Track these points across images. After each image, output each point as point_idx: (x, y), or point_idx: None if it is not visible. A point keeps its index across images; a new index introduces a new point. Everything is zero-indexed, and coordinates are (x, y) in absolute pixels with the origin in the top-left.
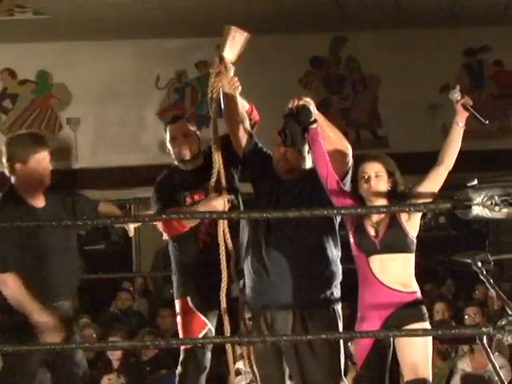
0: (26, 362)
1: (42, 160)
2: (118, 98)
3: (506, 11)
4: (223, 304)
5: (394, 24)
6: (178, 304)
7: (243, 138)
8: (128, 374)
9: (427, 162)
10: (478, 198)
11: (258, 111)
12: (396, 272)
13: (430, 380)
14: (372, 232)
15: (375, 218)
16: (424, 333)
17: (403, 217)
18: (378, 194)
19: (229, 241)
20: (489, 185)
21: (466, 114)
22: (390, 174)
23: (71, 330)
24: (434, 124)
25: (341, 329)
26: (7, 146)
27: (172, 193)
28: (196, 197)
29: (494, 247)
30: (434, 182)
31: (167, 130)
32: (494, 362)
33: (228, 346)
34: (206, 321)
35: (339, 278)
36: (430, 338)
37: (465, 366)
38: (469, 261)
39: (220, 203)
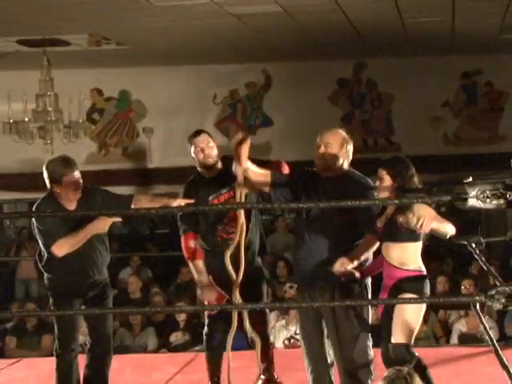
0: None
1: (72, 178)
2: (182, 112)
3: (496, 41)
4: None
5: (404, 52)
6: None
7: (266, 185)
8: (191, 331)
9: (431, 163)
10: (473, 192)
11: (297, 122)
12: (395, 255)
13: (413, 338)
14: (379, 224)
15: (385, 214)
16: (429, 300)
17: (402, 217)
18: (383, 193)
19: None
20: (481, 181)
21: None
22: (394, 177)
23: (108, 297)
24: (437, 132)
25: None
26: (46, 170)
27: (199, 195)
28: (221, 198)
29: (485, 231)
30: None
31: (193, 142)
32: (485, 323)
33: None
34: (224, 293)
35: (368, 259)
36: (419, 307)
37: (461, 327)
38: (465, 243)
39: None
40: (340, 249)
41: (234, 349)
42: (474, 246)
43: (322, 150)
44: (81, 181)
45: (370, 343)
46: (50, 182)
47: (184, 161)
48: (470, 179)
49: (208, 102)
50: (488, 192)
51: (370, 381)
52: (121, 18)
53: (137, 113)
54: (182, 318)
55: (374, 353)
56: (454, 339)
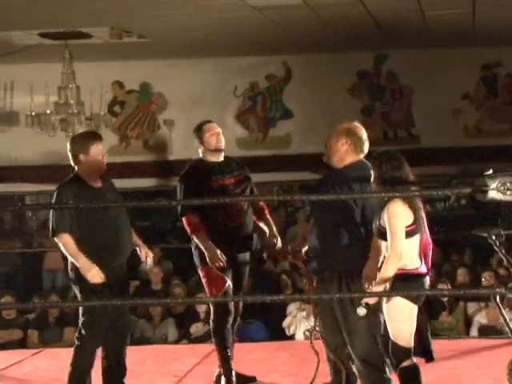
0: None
1: (99, 150)
2: (203, 104)
3: None
4: None
5: (424, 44)
6: (203, 270)
7: None
8: None
9: (451, 155)
10: (493, 184)
11: (317, 114)
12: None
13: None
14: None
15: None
16: (449, 293)
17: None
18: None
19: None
20: (502, 173)
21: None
22: (377, 171)
23: (128, 285)
24: (457, 124)
25: None
26: (72, 142)
27: (202, 178)
28: (226, 181)
29: (505, 224)
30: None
31: (205, 127)
32: (505, 315)
33: None
34: (227, 278)
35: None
36: (408, 311)
37: (481, 318)
38: (485, 235)
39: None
40: (342, 239)
41: (253, 340)
42: (494, 238)
43: (327, 142)
44: (105, 155)
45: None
46: (77, 154)
47: None
48: (491, 171)
49: (228, 95)
50: (508, 184)
51: (387, 368)
52: (142, 10)
53: (158, 105)
54: (202, 309)
55: None
56: (474, 331)
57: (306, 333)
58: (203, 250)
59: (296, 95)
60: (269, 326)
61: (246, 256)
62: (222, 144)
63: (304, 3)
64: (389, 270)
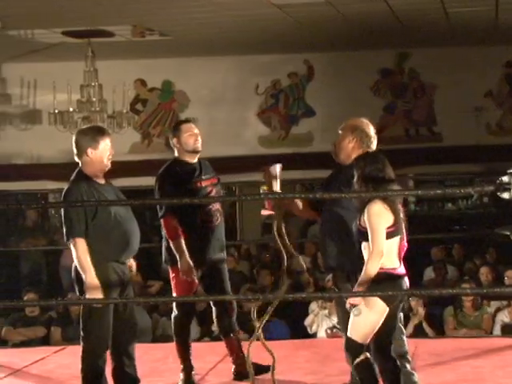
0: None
1: (107, 145)
2: (225, 102)
3: None
4: None
5: (447, 41)
6: (174, 270)
7: None
8: None
9: (473, 153)
10: None
11: (339, 112)
12: (367, 254)
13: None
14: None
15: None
16: (473, 292)
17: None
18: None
19: None
20: None
21: None
22: (357, 172)
23: (130, 284)
24: (479, 122)
25: None
26: (79, 136)
27: (182, 179)
28: (203, 182)
29: None
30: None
31: (182, 127)
32: None
33: None
34: (196, 281)
35: None
36: (378, 313)
37: (504, 317)
38: (508, 233)
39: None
40: (349, 239)
41: (275, 338)
42: None
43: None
44: (112, 151)
45: (402, 333)
46: (84, 149)
47: (226, 150)
48: None
49: (250, 92)
50: None
51: (408, 366)
52: (164, 8)
53: (180, 103)
54: None
55: (416, 342)
56: (497, 330)
57: (328, 331)
58: (178, 258)
59: (318, 93)
60: (290, 324)
61: (222, 254)
62: (199, 145)
63: (326, 1)
64: (371, 269)
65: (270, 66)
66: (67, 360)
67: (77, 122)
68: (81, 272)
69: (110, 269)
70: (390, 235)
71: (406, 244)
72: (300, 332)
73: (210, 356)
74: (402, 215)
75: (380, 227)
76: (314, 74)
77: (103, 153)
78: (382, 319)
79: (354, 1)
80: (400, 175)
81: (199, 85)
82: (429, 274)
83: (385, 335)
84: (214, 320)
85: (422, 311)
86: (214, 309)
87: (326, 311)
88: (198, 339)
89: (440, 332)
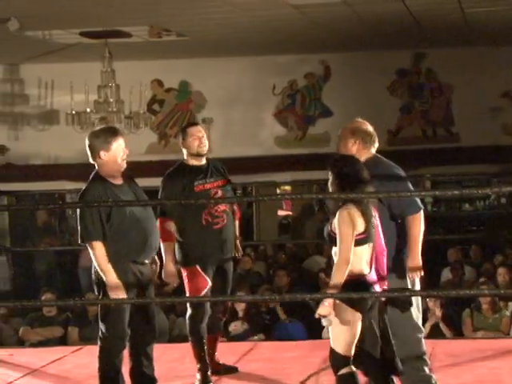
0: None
1: (120, 145)
2: (241, 103)
3: None
4: None
5: (464, 42)
6: (186, 270)
7: None
8: (250, 321)
9: (490, 153)
10: None
11: (356, 112)
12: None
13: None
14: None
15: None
16: (490, 293)
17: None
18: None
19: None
20: None
21: None
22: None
23: (151, 285)
24: (496, 123)
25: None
26: (92, 139)
27: (183, 182)
28: (207, 185)
29: None
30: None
31: (188, 131)
32: None
33: None
34: (209, 280)
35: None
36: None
37: None
38: None
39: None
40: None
41: (292, 338)
42: None
43: (337, 148)
44: (126, 151)
45: (420, 333)
46: (97, 152)
47: (243, 151)
48: None
49: (267, 93)
50: None
51: (426, 368)
52: (181, 9)
53: (196, 104)
54: (241, 307)
55: (433, 343)
56: None
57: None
58: (164, 260)
59: (335, 93)
60: (307, 324)
61: (228, 255)
62: (205, 148)
63: (343, 1)
64: (338, 277)
65: (286, 66)
66: (84, 360)
67: (94, 123)
68: (101, 274)
69: (127, 269)
70: (359, 242)
71: (384, 248)
72: (317, 333)
73: (227, 356)
74: (375, 220)
75: (348, 236)
76: (330, 75)
77: (116, 154)
78: (358, 327)
79: (371, 1)
80: (417, 176)
81: (216, 85)
82: (446, 274)
83: (365, 344)
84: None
85: (438, 312)
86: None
87: None
88: None
89: (458, 333)
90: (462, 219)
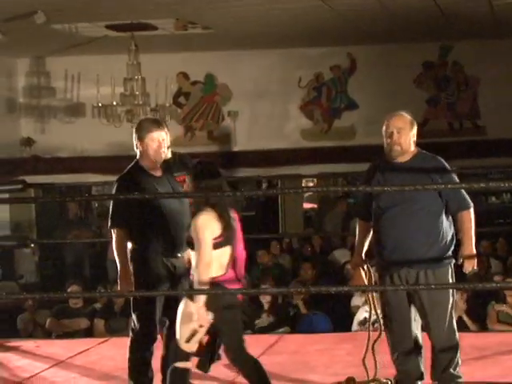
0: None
1: (154, 138)
2: (267, 95)
3: None
4: None
5: (491, 34)
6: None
7: None
8: (275, 314)
9: None
10: None
11: (381, 105)
12: (195, 263)
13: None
14: None
15: None
16: (502, 286)
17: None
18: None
19: None
20: None
21: None
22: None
23: (184, 277)
24: None
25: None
26: (135, 129)
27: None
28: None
29: None
30: None
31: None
32: None
33: None
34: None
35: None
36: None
37: None
38: None
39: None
40: (422, 233)
41: (317, 331)
42: None
43: (396, 135)
44: (166, 144)
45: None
46: (136, 142)
47: (268, 144)
48: None
49: (293, 86)
50: None
51: (459, 360)
52: (207, 2)
53: (222, 96)
54: (266, 299)
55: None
56: None
57: (359, 325)
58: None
59: (361, 86)
60: (333, 317)
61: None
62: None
63: None
64: (202, 279)
65: (312, 59)
66: (110, 352)
67: (120, 116)
68: (120, 263)
69: (158, 263)
70: (217, 246)
71: (243, 251)
72: (342, 325)
73: (252, 348)
74: (235, 224)
75: (206, 241)
76: (356, 67)
77: (152, 145)
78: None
79: None
80: None
81: (242, 78)
82: None
83: (227, 339)
84: None
85: (462, 305)
86: None
87: (366, 307)
88: None
89: (482, 326)
90: (488, 212)
